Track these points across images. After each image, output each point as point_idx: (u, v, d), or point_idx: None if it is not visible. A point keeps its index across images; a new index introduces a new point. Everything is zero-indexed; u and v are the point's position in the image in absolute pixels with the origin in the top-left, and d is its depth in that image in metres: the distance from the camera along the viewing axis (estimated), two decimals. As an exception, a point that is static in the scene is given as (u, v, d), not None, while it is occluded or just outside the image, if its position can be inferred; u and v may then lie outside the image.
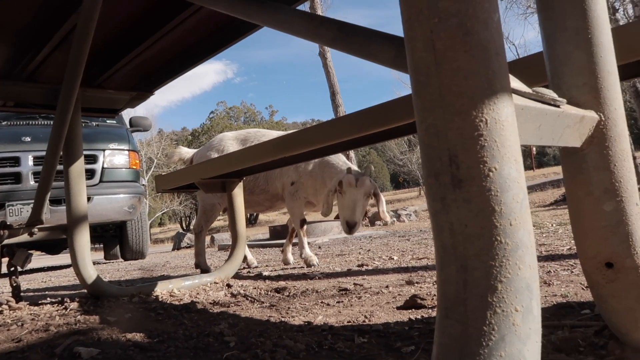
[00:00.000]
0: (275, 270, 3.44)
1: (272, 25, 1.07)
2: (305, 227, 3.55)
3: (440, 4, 0.48)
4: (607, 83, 0.74)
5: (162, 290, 2.60)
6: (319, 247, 5.31)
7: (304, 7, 13.71)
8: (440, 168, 0.48)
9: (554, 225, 4.61)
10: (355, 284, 2.30)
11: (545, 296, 1.61)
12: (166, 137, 35.02)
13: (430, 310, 1.58)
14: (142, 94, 2.82)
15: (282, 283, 2.62)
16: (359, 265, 3.11)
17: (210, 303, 2.19)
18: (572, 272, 2.02)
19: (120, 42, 2.31)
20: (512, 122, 0.49)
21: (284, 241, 4.01)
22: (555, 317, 1.33)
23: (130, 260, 6.86)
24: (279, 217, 30.06)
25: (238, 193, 2.92)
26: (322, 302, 1.95)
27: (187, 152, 4.09)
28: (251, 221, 28.87)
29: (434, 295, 1.84)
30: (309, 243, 6.16)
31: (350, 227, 2.97)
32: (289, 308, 1.89)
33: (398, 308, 1.69)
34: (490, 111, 0.47)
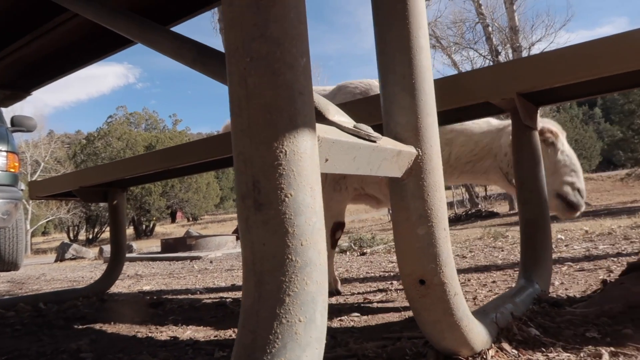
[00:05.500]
0: (158, 284, 3.33)
1: (139, 40, 1.08)
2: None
3: (253, 45, 0.54)
4: (425, 123, 0.85)
5: (25, 305, 2.41)
6: (211, 262, 5.22)
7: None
8: (246, 192, 0.53)
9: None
10: (234, 299, 2.31)
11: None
12: (57, 140, 32.36)
13: (297, 325, 1.64)
14: (18, 94, 2.62)
15: (161, 298, 2.55)
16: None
17: (78, 318, 2.07)
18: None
19: (-8, 36, 2.14)
20: (311, 154, 0.55)
21: (175, 255, 3.82)
22: (408, 329, 1.45)
23: (2, 272, 6.21)
24: (176, 229, 28.94)
25: (120, 204, 2.80)
26: (196, 317, 1.93)
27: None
28: (146, 233, 27.47)
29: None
30: (199, 258, 5.98)
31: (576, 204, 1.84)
32: (160, 323, 1.85)
33: (268, 322, 1.72)
34: (290, 144, 0.53)
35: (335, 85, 2.44)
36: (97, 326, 1.88)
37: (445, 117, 1.68)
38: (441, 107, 1.49)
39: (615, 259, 2.56)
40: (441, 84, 1.49)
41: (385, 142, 0.76)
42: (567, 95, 1.69)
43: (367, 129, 0.72)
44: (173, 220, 36.63)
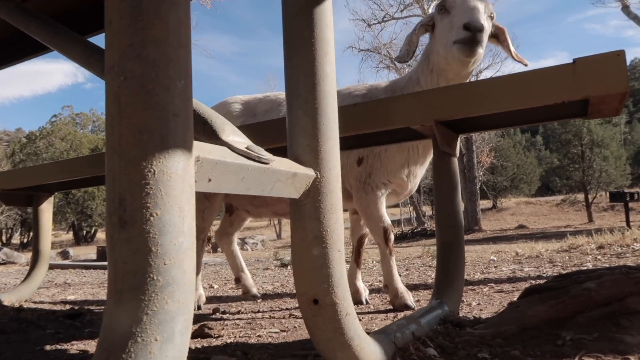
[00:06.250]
0: (85, 294, 3.21)
1: (49, 45, 1.05)
2: (392, 238, 2.07)
3: (128, 64, 0.55)
4: (326, 147, 0.88)
5: None
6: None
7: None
8: (112, 209, 0.54)
9: (375, 262, 5.04)
10: (159, 312, 2.25)
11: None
12: (-5, 136, 30.62)
13: (214, 340, 1.63)
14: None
15: (83, 308, 2.45)
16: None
17: (-15, 329, 1.96)
18: (371, 305, 2.24)
19: None
20: (183, 175, 0.56)
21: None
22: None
23: None
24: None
25: (46, 209, 2.69)
26: (113, 330, 1.87)
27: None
28: (87, 239, 26.33)
29: (226, 325, 1.90)
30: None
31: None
32: (74, 335, 1.78)
33: (186, 337, 1.69)
34: (160, 164, 0.54)
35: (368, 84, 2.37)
36: (5, 337, 1.78)
37: (370, 139, 1.73)
38: (364, 129, 1.54)
39: (534, 281, 2.69)
40: (364, 109, 1.54)
41: (279, 164, 0.78)
42: (487, 124, 1.78)
43: (259, 150, 0.74)
44: (117, 227, 35.22)
